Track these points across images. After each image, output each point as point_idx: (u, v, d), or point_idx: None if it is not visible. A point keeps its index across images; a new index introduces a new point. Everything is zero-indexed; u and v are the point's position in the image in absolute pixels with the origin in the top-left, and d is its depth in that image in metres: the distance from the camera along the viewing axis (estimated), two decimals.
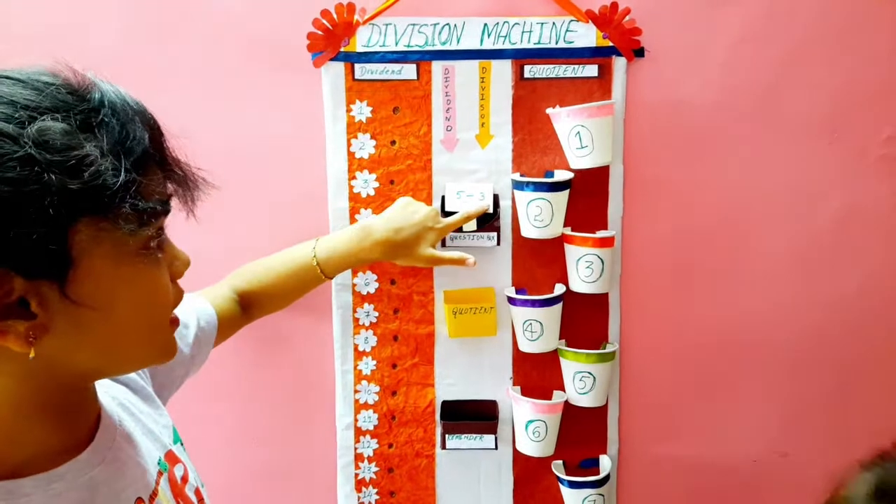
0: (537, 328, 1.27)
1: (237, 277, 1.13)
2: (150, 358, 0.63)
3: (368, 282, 1.31)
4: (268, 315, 1.19)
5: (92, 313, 0.55)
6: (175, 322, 0.64)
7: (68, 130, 0.51)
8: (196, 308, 0.98)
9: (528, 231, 1.26)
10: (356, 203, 1.29)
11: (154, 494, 0.66)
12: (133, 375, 0.75)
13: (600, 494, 1.32)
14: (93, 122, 0.54)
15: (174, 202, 0.62)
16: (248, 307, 1.12)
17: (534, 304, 1.26)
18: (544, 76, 1.25)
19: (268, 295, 1.13)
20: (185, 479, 0.73)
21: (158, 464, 0.69)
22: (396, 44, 1.24)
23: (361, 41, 1.24)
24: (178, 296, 0.64)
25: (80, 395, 0.63)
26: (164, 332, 0.62)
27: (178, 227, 1.30)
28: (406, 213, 1.17)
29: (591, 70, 1.25)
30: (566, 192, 1.25)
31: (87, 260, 0.53)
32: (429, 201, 1.28)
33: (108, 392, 0.69)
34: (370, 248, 1.14)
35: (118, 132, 0.54)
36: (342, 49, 1.24)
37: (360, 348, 1.33)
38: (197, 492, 0.76)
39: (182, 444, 0.79)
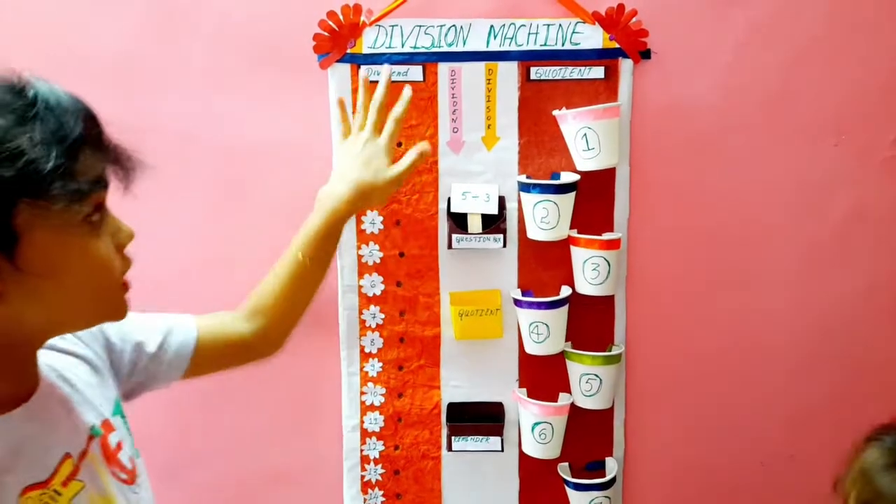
0: (543, 330, 1.27)
1: (243, 304, 1.10)
2: (98, 316, 0.74)
3: (375, 284, 1.31)
4: (285, 332, 1.12)
5: (41, 280, 0.65)
6: (125, 286, 0.74)
7: (4, 126, 0.61)
8: (173, 320, 0.98)
9: (534, 233, 1.26)
10: None
11: (84, 453, 0.73)
12: (87, 351, 0.83)
13: (606, 497, 1.32)
14: (28, 117, 0.63)
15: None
16: (256, 322, 1.08)
17: (540, 306, 1.26)
18: (550, 78, 1.25)
19: (271, 304, 1.08)
20: (119, 446, 0.80)
21: (92, 430, 0.76)
22: (403, 45, 1.24)
23: (368, 42, 1.24)
24: (126, 264, 0.74)
25: (24, 358, 0.72)
26: (111, 294, 0.72)
27: (184, 230, 1.30)
28: (343, 159, 1.12)
29: (598, 72, 1.25)
30: (572, 194, 1.24)
31: (31, 234, 0.63)
32: (435, 203, 1.28)
33: (51, 364, 0.77)
34: (336, 210, 1.07)
35: (52, 124, 0.63)
36: (348, 50, 1.24)
37: (367, 350, 1.33)
38: (131, 460, 0.82)
39: (123, 417, 0.85)
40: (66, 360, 0.80)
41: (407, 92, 1.12)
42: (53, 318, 0.69)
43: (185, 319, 0.99)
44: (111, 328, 0.89)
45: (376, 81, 1.12)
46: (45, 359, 0.76)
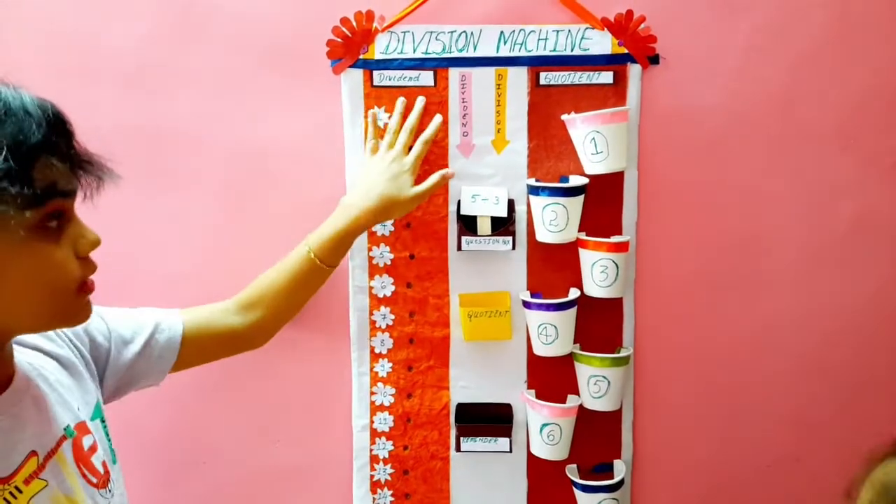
0: (552, 332, 1.28)
1: (236, 296, 1.15)
2: (54, 320, 0.74)
3: (385, 285, 1.33)
4: (279, 327, 1.18)
5: None
6: (86, 288, 0.74)
7: None
8: (160, 315, 1.02)
9: (543, 236, 1.27)
10: None
11: (51, 453, 0.74)
12: (66, 352, 0.84)
13: (614, 499, 1.33)
14: None
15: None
16: (252, 315, 1.12)
17: (549, 308, 1.27)
18: (560, 83, 1.27)
19: (271, 297, 1.12)
20: (94, 449, 0.80)
21: (65, 430, 0.77)
22: (414, 51, 1.26)
23: (380, 48, 1.26)
24: (87, 269, 0.73)
25: None
26: (64, 299, 0.71)
27: (195, 230, 1.33)
28: (370, 173, 1.19)
29: (607, 77, 1.26)
30: (581, 198, 1.26)
31: None
32: (445, 206, 1.30)
33: (30, 361, 0.78)
34: (357, 218, 1.14)
35: (10, 128, 0.64)
36: (361, 56, 1.26)
37: (377, 350, 1.35)
38: (105, 465, 0.82)
39: (104, 422, 0.86)
40: (45, 360, 0.81)
41: (436, 121, 1.24)
42: (4, 318, 0.70)
43: (170, 315, 1.02)
44: (96, 328, 0.91)
45: (409, 106, 1.24)
46: (25, 356, 0.78)
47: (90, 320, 0.87)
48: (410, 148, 1.22)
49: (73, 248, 0.71)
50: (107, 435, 0.85)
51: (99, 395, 0.88)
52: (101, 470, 0.80)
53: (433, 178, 1.20)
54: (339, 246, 1.14)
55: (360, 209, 1.14)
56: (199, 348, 1.04)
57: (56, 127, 0.68)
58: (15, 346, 0.77)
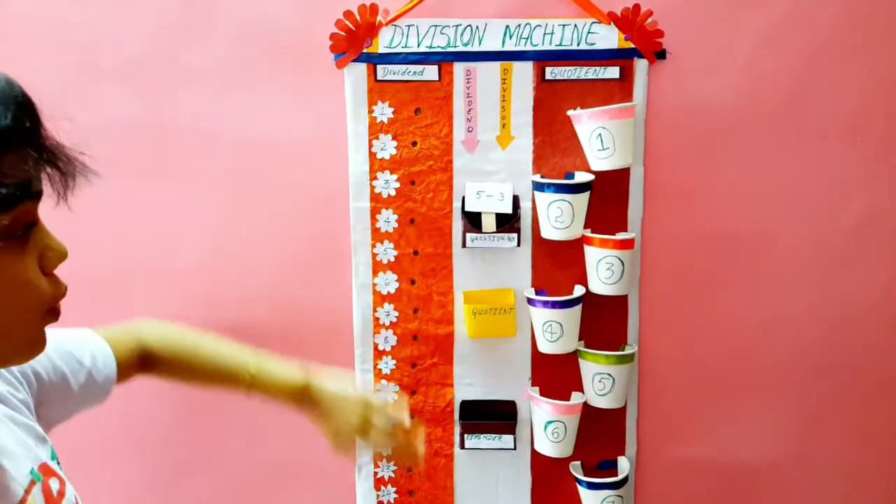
0: (557, 329, 1.27)
1: (152, 332, 0.99)
2: (14, 352, 0.60)
3: (389, 282, 1.32)
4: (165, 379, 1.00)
5: None
6: (54, 315, 0.60)
7: None
8: (92, 347, 0.88)
9: (548, 232, 1.26)
10: (377, 203, 1.30)
11: (22, 503, 0.63)
12: (6, 393, 0.71)
13: (619, 496, 1.33)
14: None
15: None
16: (148, 366, 0.97)
17: (553, 305, 1.27)
18: (565, 78, 1.26)
19: (178, 368, 0.98)
20: (61, 493, 0.69)
21: (31, 473, 0.66)
22: (419, 45, 1.24)
23: (384, 42, 1.24)
24: (58, 290, 0.59)
25: None
26: (31, 324, 0.58)
27: (200, 224, 1.32)
28: (355, 405, 0.99)
29: (613, 72, 1.25)
30: (587, 194, 1.25)
31: None
32: (449, 202, 1.29)
33: None
34: (299, 397, 0.98)
35: None
36: (364, 50, 1.25)
37: (380, 347, 1.34)
38: None
39: (58, 462, 0.74)
40: None
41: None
42: None
43: (104, 350, 0.89)
44: (42, 363, 0.78)
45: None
46: None
47: (37, 360, 0.73)
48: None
49: (39, 261, 0.57)
50: (63, 475, 0.74)
51: (43, 429, 0.75)
52: None
53: (377, 435, 0.98)
54: (268, 388, 0.97)
55: (313, 400, 0.98)
56: (125, 372, 0.91)
57: (26, 112, 0.54)
58: None
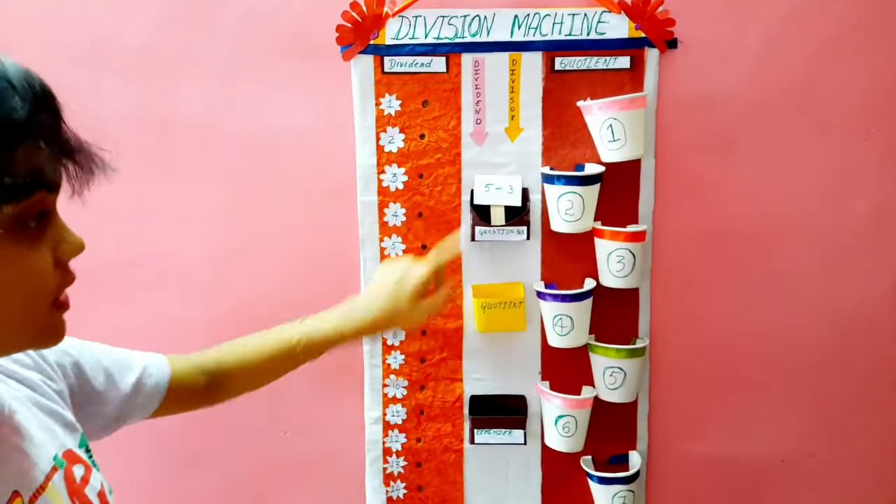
0: (567, 323, 1.26)
1: (205, 353, 1.01)
2: (27, 340, 0.62)
3: None
4: (234, 397, 1.02)
5: None
6: (62, 305, 0.62)
7: None
8: (148, 358, 0.91)
9: (557, 225, 1.25)
10: (385, 197, 1.28)
11: (41, 489, 0.64)
12: (39, 381, 0.74)
13: (630, 491, 1.31)
14: None
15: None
16: (214, 378, 0.99)
17: (564, 298, 1.25)
18: (575, 68, 1.24)
19: (238, 372, 0.99)
20: (85, 480, 0.71)
21: (54, 459, 0.68)
22: (426, 36, 1.23)
23: (391, 34, 1.23)
24: (66, 279, 0.61)
25: None
26: (41, 314, 0.60)
27: (205, 217, 1.31)
28: (382, 273, 1.06)
29: (623, 62, 1.23)
30: (597, 186, 1.23)
31: None
32: (458, 195, 1.28)
33: (10, 390, 0.69)
34: (358, 329, 1.01)
35: None
36: (371, 42, 1.23)
37: (389, 342, 1.33)
38: (101, 495, 0.72)
39: (89, 451, 0.76)
40: (23, 390, 0.71)
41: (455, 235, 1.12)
42: None
43: (158, 358, 0.92)
44: (87, 362, 0.81)
45: None
46: (4, 385, 0.69)
47: (80, 353, 0.79)
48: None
49: (54, 253, 0.59)
50: (94, 464, 0.75)
51: (80, 425, 0.77)
52: (97, 502, 0.71)
53: (441, 294, 1.04)
54: (327, 345, 1.00)
55: (364, 318, 1.01)
56: (175, 399, 0.92)
57: (44, 105, 0.56)
58: None
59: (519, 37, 1.23)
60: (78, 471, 0.70)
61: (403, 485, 1.38)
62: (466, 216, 1.28)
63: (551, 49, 1.23)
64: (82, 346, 0.82)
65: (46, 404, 0.72)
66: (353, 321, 1.00)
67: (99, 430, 0.85)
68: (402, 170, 1.27)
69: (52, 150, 0.56)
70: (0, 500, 0.61)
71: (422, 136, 1.26)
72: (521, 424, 1.32)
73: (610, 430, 1.34)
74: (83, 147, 0.59)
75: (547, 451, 1.34)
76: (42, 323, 0.60)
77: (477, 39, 1.23)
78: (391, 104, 1.25)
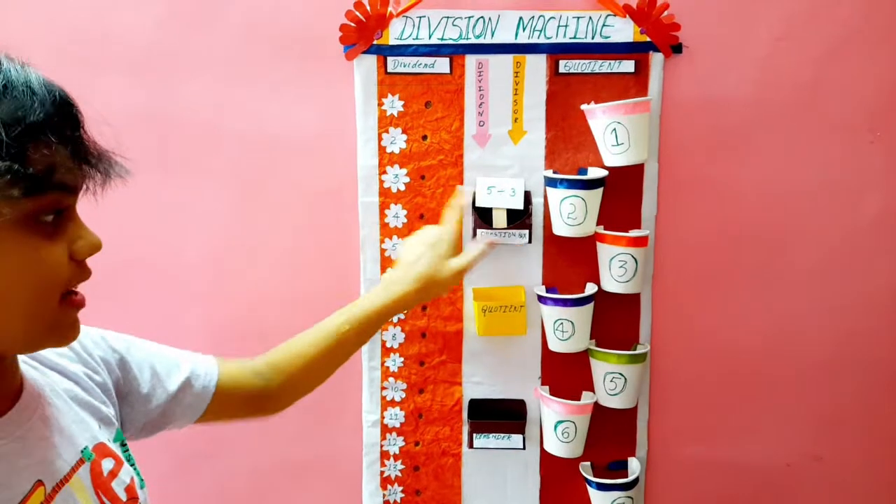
0: (568, 328, 1.25)
1: (257, 358, 1.01)
2: (39, 334, 0.62)
3: None
4: (299, 396, 1.04)
5: None
6: (75, 302, 0.63)
7: None
8: (198, 359, 0.92)
9: (560, 229, 1.24)
10: (386, 198, 1.27)
11: (65, 480, 0.66)
12: (80, 373, 0.75)
13: (629, 497, 1.30)
14: None
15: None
16: (278, 380, 0.99)
17: (565, 303, 1.24)
18: (579, 71, 1.23)
19: (300, 367, 1.00)
20: (113, 473, 0.72)
21: (82, 452, 0.69)
22: (430, 37, 1.22)
23: (394, 34, 1.22)
24: (80, 275, 0.63)
25: None
26: (50, 306, 0.61)
27: (208, 218, 1.30)
28: (410, 243, 1.10)
29: (628, 66, 1.23)
30: (600, 190, 1.22)
31: None
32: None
33: (49, 381, 0.71)
34: (398, 300, 1.03)
35: (9, 104, 0.56)
36: (375, 42, 1.22)
37: (388, 345, 1.32)
38: (130, 489, 0.74)
39: (124, 446, 0.77)
40: (59, 378, 0.73)
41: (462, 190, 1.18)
42: None
43: (207, 361, 0.92)
44: (133, 356, 0.82)
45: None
46: (38, 373, 0.71)
47: (127, 350, 0.82)
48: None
49: (69, 248, 0.61)
50: (129, 459, 0.77)
51: (118, 423, 0.79)
52: (124, 496, 0.72)
53: (475, 249, 1.09)
54: (376, 322, 1.03)
55: (403, 288, 1.03)
56: (225, 403, 0.92)
57: (61, 110, 0.60)
58: (27, 364, 0.70)
59: (523, 39, 1.22)
60: (107, 464, 0.72)
61: (401, 488, 1.37)
62: (468, 219, 1.27)
63: (556, 52, 1.22)
64: (130, 342, 0.84)
65: (84, 397, 0.74)
66: (394, 294, 1.02)
67: (142, 430, 0.86)
68: (404, 171, 1.26)
69: (69, 153, 0.60)
70: (23, 488, 0.62)
71: (424, 138, 1.26)
72: (520, 429, 1.31)
73: (609, 435, 1.33)
74: (101, 154, 0.63)
75: (546, 457, 1.33)
76: (51, 316, 0.61)
77: (481, 41, 1.22)
78: (394, 105, 1.24)
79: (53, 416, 0.68)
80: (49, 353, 0.73)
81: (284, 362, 0.99)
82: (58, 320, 0.62)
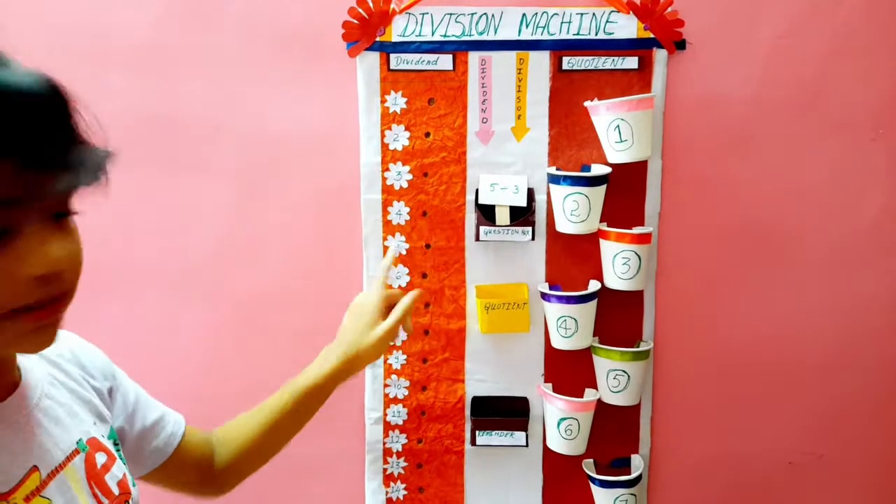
0: (571, 325, 1.25)
1: (214, 430, 1.00)
2: (7, 345, 0.61)
3: (400, 275, 1.30)
4: (238, 481, 1.00)
5: None
6: (35, 318, 0.59)
7: None
8: (168, 412, 0.90)
9: (563, 226, 1.24)
10: (389, 195, 1.27)
11: (60, 468, 0.67)
12: (78, 375, 0.76)
13: (632, 494, 1.30)
14: None
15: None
16: (223, 450, 0.97)
17: (568, 300, 1.24)
18: (583, 68, 1.23)
19: (242, 442, 0.97)
20: (106, 467, 0.73)
21: (77, 443, 0.70)
22: (433, 33, 1.21)
23: (397, 30, 1.22)
24: (36, 291, 0.58)
25: None
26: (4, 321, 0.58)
27: (210, 216, 1.29)
28: (345, 318, 1.07)
29: (631, 62, 1.22)
30: (603, 187, 1.22)
31: None
32: (462, 195, 1.27)
33: (51, 371, 0.72)
34: (329, 374, 1.00)
35: None
36: (378, 38, 1.22)
37: (391, 342, 1.32)
38: (122, 484, 0.73)
39: (118, 446, 0.77)
40: (56, 371, 0.73)
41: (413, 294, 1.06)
42: None
43: (177, 414, 0.92)
44: (122, 378, 0.83)
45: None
46: (35, 366, 0.70)
47: (118, 372, 0.83)
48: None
49: (21, 265, 0.56)
50: (121, 457, 0.77)
51: (113, 423, 0.79)
52: (117, 490, 0.72)
53: (398, 309, 1.03)
54: (312, 397, 0.99)
55: (332, 364, 1.00)
56: (181, 461, 0.90)
57: (16, 120, 0.54)
58: (26, 356, 0.70)
59: (526, 35, 1.22)
60: (100, 458, 0.72)
61: (403, 486, 1.37)
62: (471, 215, 1.27)
63: (559, 48, 1.22)
64: (117, 371, 0.84)
65: (81, 392, 0.75)
66: (326, 370, 0.99)
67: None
68: (407, 168, 1.26)
69: (17, 163, 0.54)
70: (19, 472, 0.63)
71: (427, 135, 1.25)
72: (523, 426, 1.31)
73: (612, 433, 1.33)
74: (79, 156, 0.57)
75: (549, 454, 1.33)
76: (4, 331, 0.58)
77: (484, 38, 1.22)
78: (396, 102, 1.24)
79: (51, 407, 0.69)
80: (48, 352, 0.72)
81: (231, 438, 0.97)
82: (15, 335, 0.59)
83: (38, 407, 0.68)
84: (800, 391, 1.34)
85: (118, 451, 0.77)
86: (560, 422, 1.28)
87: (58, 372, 0.74)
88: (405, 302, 1.04)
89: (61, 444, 0.68)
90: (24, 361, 0.70)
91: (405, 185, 1.27)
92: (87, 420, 0.74)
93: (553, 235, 1.27)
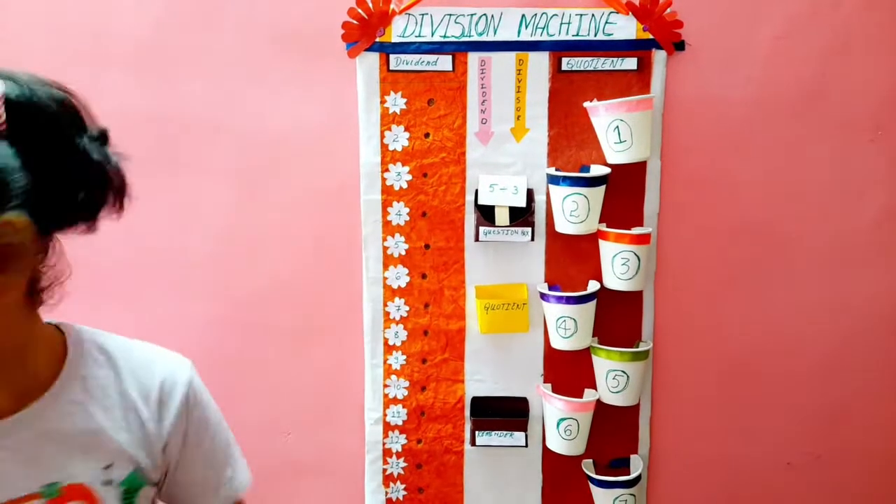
0: (571, 325, 1.25)
1: None
2: None
3: (399, 276, 1.30)
4: None
5: None
6: None
7: None
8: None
9: (562, 226, 1.24)
10: (388, 196, 1.27)
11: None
12: (134, 401, 0.73)
13: (631, 494, 1.31)
14: None
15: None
16: None
17: (567, 300, 1.24)
18: (582, 69, 1.23)
19: None
20: None
21: (42, 487, 0.64)
22: (432, 34, 1.22)
23: (397, 31, 1.22)
24: None
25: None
26: None
27: (210, 216, 1.29)
28: None
29: (630, 63, 1.22)
30: (603, 188, 1.22)
31: None
32: (462, 195, 1.27)
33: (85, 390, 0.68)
34: None
35: None
36: (377, 39, 1.22)
37: (390, 342, 1.32)
38: None
39: (129, 492, 0.71)
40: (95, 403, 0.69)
41: None
42: None
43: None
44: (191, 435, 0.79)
45: None
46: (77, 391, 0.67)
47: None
48: None
49: None
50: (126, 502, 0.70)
51: (147, 468, 0.73)
52: None
53: None
54: None
55: None
56: None
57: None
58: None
59: (526, 36, 1.22)
60: None
61: (403, 486, 1.37)
62: (470, 216, 1.27)
63: (558, 49, 1.22)
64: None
65: (82, 432, 0.67)
66: None
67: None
68: (407, 168, 1.26)
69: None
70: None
71: (427, 135, 1.25)
72: (522, 427, 1.31)
73: (612, 433, 1.34)
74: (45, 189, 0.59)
75: (548, 454, 1.33)
76: None
77: (484, 38, 1.22)
78: (396, 102, 1.24)
79: (57, 435, 0.65)
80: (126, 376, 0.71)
81: None
82: None
83: (39, 432, 0.64)
84: (798, 392, 1.34)
85: (126, 499, 0.70)
86: (559, 422, 1.28)
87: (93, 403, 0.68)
88: None
89: (30, 479, 0.63)
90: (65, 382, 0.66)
91: (405, 185, 1.27)
92: (77, 464, 0.67)
93: (552, 236, 1.27)
